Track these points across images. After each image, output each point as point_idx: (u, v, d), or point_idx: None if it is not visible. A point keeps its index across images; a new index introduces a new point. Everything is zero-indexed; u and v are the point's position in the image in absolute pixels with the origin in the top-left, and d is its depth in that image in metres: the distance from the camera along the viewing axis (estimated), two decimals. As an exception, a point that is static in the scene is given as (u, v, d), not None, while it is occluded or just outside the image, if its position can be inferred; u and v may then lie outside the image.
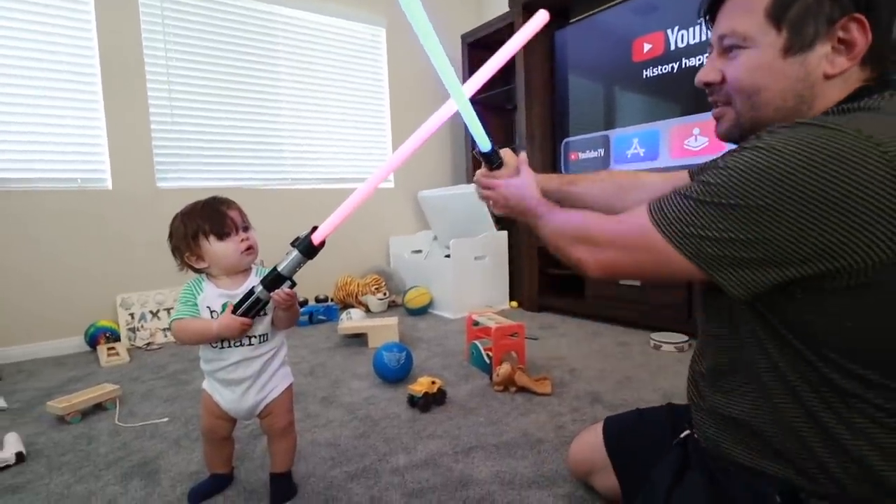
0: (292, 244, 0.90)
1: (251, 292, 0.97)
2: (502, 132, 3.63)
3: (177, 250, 1.05)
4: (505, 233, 3.07)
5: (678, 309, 2.28)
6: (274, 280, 0.93)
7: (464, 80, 3.30)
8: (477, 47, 3.37)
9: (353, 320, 2.45)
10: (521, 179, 0.91)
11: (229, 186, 2.85)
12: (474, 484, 1.14)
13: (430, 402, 1.54)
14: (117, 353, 2.30)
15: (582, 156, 2.95)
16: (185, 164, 2.76)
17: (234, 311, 0.97)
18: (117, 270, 2.57)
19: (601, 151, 2.84)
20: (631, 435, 0.97)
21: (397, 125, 3.47)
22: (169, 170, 2.70)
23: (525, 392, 1.65)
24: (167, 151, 2.69)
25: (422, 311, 2.91)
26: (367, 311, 2.95)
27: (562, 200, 1.01)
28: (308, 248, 0.89)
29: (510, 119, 3.64)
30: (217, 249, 1.03)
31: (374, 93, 3.42)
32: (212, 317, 1.03)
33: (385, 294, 2.99)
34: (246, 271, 1.09)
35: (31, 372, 2.15)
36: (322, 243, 0.90)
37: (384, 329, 2.25)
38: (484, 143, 0.91)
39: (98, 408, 1.66)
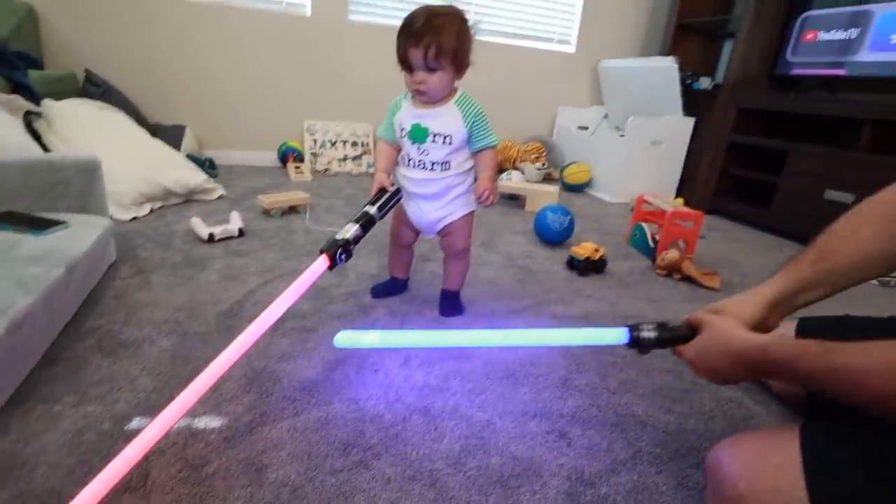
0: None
1: (381, 193, 1.04)
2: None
3: None
4: (692, 120, 2.70)
5: None
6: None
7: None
8: None
9: (513, 181, 2.44)
10: (708, 335, 0.67)
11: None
12: (633, 347, 1.14)
13: (589, 267, 1.53)
14: (302, 172, 2.60)
15: (823, 36, 2.37)
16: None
17: (373, 200, 1.01)
18: (306, 97, 2.79)
19: (853, 33, 2.25)
20: (834, 337, 0.86)
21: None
22: (361, 3, 2.72)
23: (690, 282, 1.56)
24: (359, -17, 2.69)
25: (579, 188, 2.81)
26: (523, 178, 2.92)
27: (822, 285, 0.71)
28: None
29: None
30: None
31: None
32: (400, 135, 1.08)
33: (544, 164, 2.90)
34: (445, 97, 1.05)
35: (240, 174, 2.53)
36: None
37: (544, 194, 2.22)
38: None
39: (292, 210, 1.93)
